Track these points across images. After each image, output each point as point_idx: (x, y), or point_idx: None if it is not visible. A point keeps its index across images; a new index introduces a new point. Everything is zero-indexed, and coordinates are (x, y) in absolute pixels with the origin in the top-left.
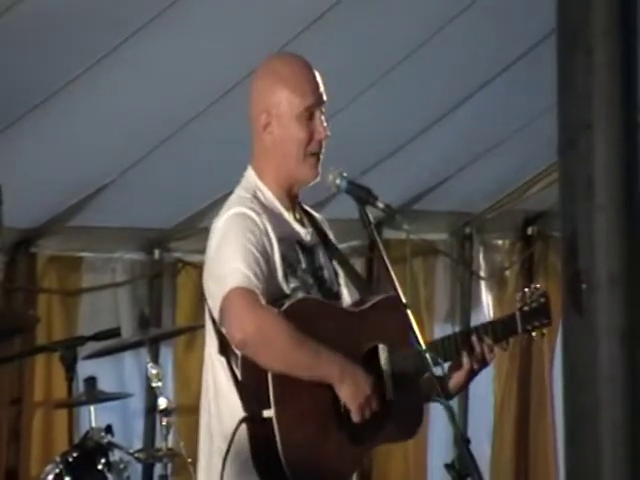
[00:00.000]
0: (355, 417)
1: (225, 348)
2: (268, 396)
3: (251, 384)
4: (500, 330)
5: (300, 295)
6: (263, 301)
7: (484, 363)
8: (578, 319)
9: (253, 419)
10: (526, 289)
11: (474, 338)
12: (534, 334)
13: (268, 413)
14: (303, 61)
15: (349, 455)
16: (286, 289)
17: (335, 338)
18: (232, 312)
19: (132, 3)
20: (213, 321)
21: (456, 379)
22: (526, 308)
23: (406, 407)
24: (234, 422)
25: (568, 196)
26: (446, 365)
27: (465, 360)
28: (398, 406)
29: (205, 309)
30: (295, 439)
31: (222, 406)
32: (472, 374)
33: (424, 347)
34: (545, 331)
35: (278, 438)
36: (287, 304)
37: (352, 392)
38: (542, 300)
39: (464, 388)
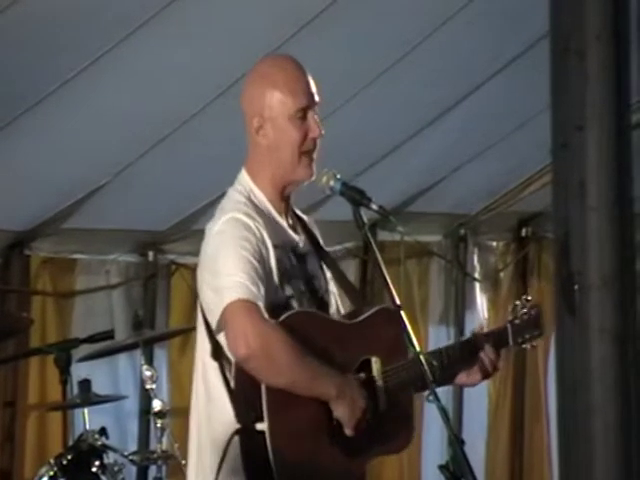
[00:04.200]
0: (349, 432)
1: (218, 353)
2: (261, 408)
3: (244, 394)
4: (494, 341)
5: (295, 307)
6: (265, 314)
7: (495, 369)
8: (570, 320)
9: (246, 431)
10: (517, 302)
11: (479, 349)
12: (526, 346)
13: (261, 426)
14: (294, 63)
15: (342, 469)
16: (281, 296)
17: (329, 350)
18: (235, 326)
19: (127, 3)
20: (207, 326)
21: (465, 377)
22: (517, 321)
23: (398, 418)
24: (224, 429)
25: (561, 198)
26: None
27: (472, 370)
28: (390, 418)
29: (198, 313)
30: (288, 453)
31: (213, 412)
32: (486, 377)
33: (418, 350)
34: (536, 343)
35: (271, 452)
36: (283, 316)
37: (348, 410)
38: (533, 312)
39: (470, 386)
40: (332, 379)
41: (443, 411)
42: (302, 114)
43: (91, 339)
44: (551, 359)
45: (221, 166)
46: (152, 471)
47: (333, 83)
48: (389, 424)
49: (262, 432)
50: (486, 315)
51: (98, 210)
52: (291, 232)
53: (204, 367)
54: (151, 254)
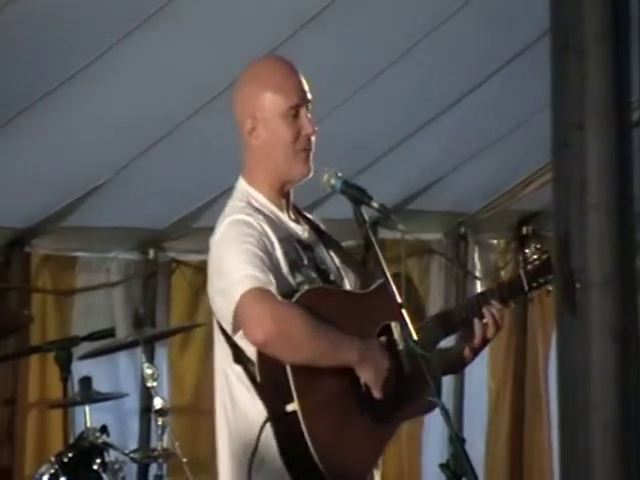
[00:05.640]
0: (377, 394)
1: (240, 356)
2: (289, 390)
3: (271, 383)
4: (506, 292)
5: (307, 287)
6: (276, 295)
7: (497, 328)
8: (571, 318)
9: (277, 417)
10: (527, 250)
11: (483, 305)
12: (541, 290)
13: (292, 407)
14: (283, 62)
15: (375, 436)
16: (292, 283)
17: (347, 321)
18: (249, 314)
19: (126, 2)
20: (224, 333)
21: (469, 349)
22: (529, 267)
23: (423, 380)
24: (252, 432)
25: (561, 196)
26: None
27: (477, 328)
28: (416, 380)
29: (214, 324)
30: (321, 428)
31: (240, 418)
32: (484, 342)
33: (418, 344)
34: (551, 288)
35: (305, 429)
36: (297, 295)
37: (373, 371)
38: (544, 257)
39: (475, 357)
40: (352, 345)
41: (443, 409)
42: (294, 112)
43: (91, 337)
44: (552, 356)
45: (221, 164)
46: (153, 469)
47: (332, 81)
48: (415, 386)
49: (293, 412)
50: None
51: (99, 208)
52: (294, 225)
53: (226, 377)
54: (152, 252)
